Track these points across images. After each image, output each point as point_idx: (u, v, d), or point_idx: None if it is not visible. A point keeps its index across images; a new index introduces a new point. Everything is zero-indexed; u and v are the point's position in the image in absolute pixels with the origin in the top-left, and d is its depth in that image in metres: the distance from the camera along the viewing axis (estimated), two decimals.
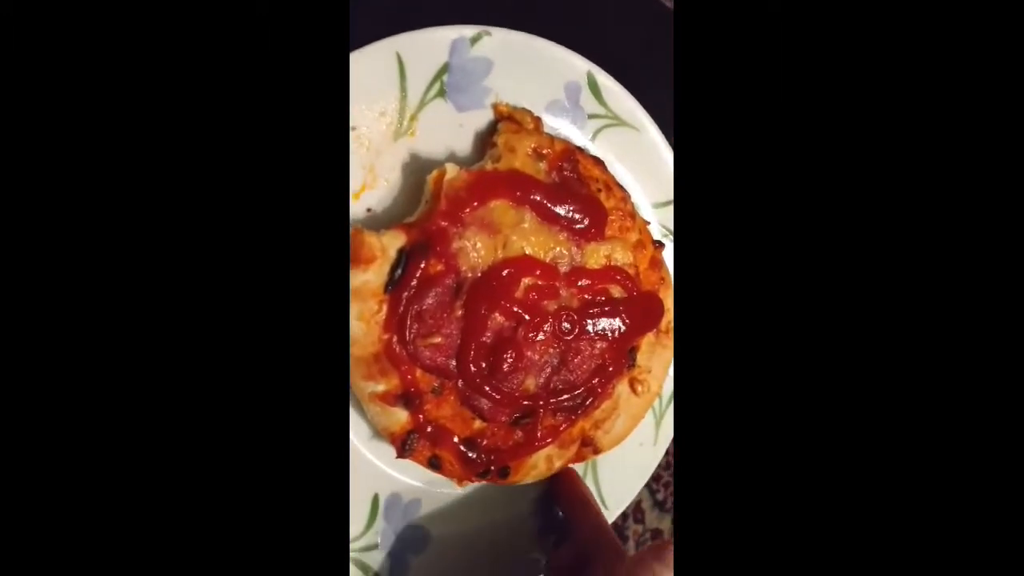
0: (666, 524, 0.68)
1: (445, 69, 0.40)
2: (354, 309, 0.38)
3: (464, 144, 0.42)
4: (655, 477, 0.64)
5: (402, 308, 0.38)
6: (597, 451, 0.45)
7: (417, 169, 0.41)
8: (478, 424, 0.41)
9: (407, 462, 0.41)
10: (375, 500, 0.42)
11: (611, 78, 0.43)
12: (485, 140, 0.42)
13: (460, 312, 0.39)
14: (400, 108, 0.40)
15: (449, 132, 0.41)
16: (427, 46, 0.40)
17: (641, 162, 0.45)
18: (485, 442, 0.41)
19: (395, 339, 0.38)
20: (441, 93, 0.41)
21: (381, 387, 0.38)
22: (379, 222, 0.41)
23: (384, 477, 0.42)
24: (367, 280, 0.37)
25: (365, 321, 0.38)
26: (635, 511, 0.67)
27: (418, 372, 0.39)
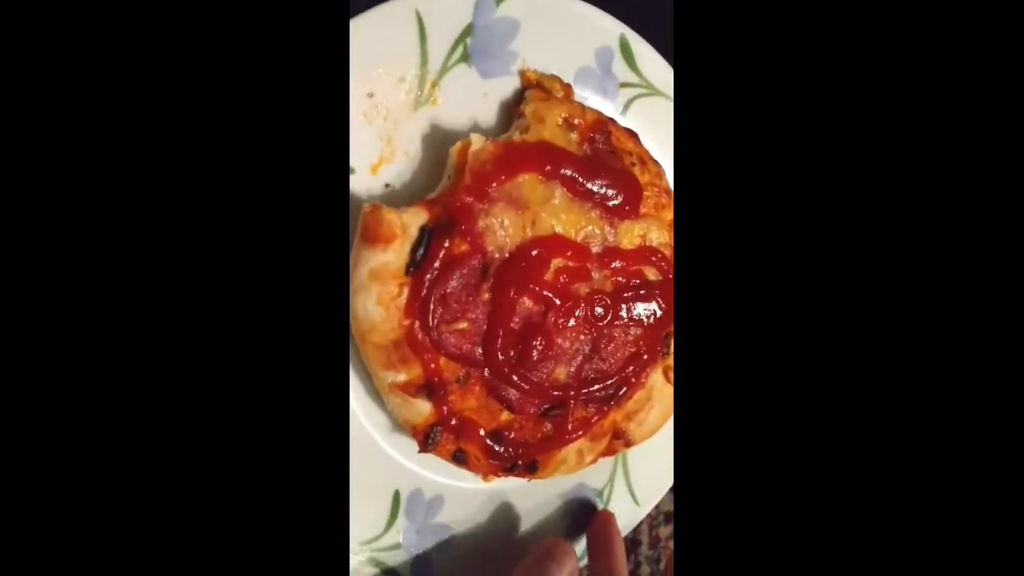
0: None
1: (469, 31, 0.37)
2: (373, 293, 0.35)
3: (489, 114, 0.39)
4: None
5: (425, 291, 0.35)
6: (629, 444, 0.42)
7: (439, 141, 0.38)
8: (505, 416, 0.38)
9: (430, 457, 0.39)
10: (396, 497, 0.40)
11: (645, 43, 0.40)
12: (512, 109, 0.39)
13: (487, 296, 0.36)
14: (420, 74, 0.37)
15: (473, 101, 0.38)
16: (449, 5, 0.37)
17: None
18: (512, 435, 0.38)
19: (417, 325, 0.35)
20: (465, 58, 0.38)
21: (402, 377, 0.36)
22: (398, 198, 0.38)
23: (405, 473, 0.40)
24: (387, 261, 0.35)
25: (384, 306, 0.35)
26: None
27: (442, 360, 0.36)
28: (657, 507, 0.67)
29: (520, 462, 0.39)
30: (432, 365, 0.36)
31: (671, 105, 0.41)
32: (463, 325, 0.36)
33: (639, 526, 0.60)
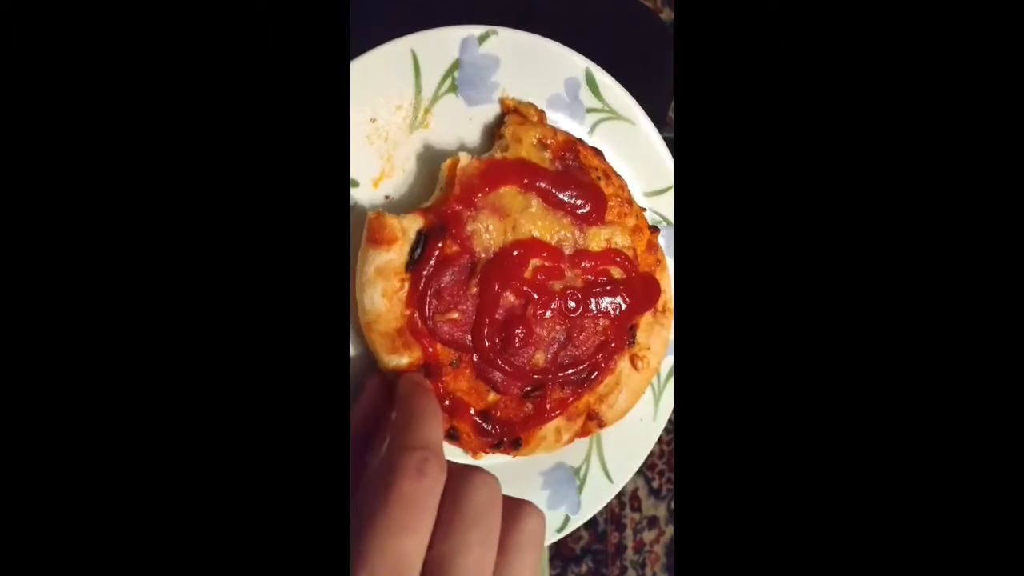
0: (661, 511, 0.71)
1: (456, 65, 0.43)
2: (378, 287, 0.40)
3: (474, 136, 0.45)
4: (650, 466, 0.67)
5: (422, 285, 0.41)
6: (602, 424, 0.47)
7: (431, 159, 0.44)
8: (492, 397, 0.43)
9: None
10: None
11: (607, 75, 0.46)
12: (493, 132, 0.45)
13: (475, 290, 0.41)
14: (415, 103, 0.43)
15: (460, 124, 0.44)
16: (439, 44, 0.43)
17: (635, 153, 0.48)
18: (499, 414, 0.43)
19: (416, 315, 0.41)
20: (453, 88, 0.44)
21: (404, 360, 0.41)
22: (397, 208, 0.43)
23: None
24: (390, 259, 0.40)
25: (388, 298, 0.40)
26: (631, 499, 0.70)
27: (438, 346, 0.41)
28: (641, 512, 0.71)
29: (505, 439, 0.44)
30: (430, 350, 0.41)
31: (630, 127, 0.47)
32: (455, 315, 0.41)
33: (624, 532, 0.64)
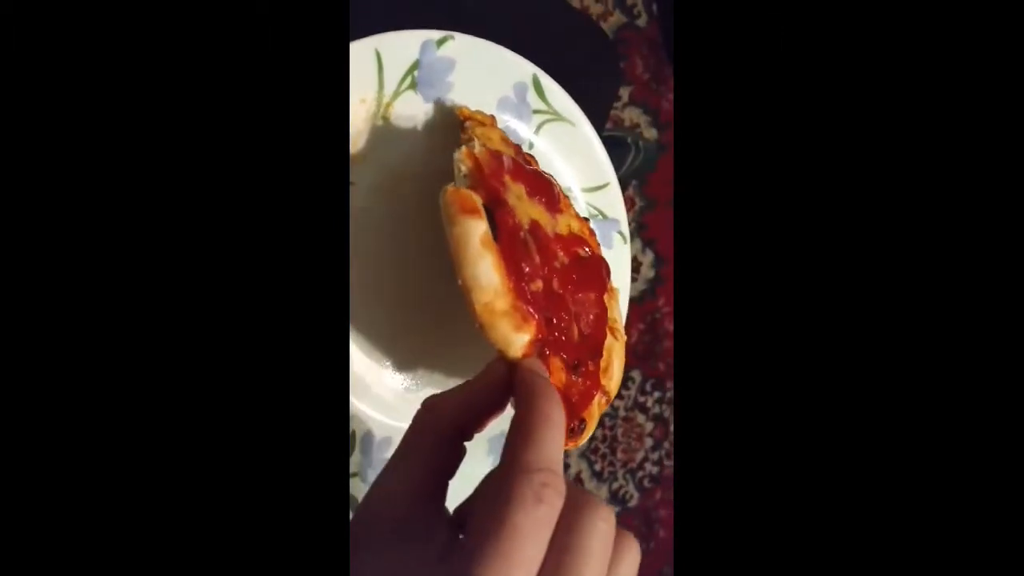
0: (603, 493, 0.76)
1: (416, 65, 0.46)
2: (488, 258, 0.38)
3: (430, 130, 0.47)
4: (593, 449, 0.72)
5: (512, 255, 0.39)
6: (609, 398, 0.48)
7: (390, 149, 0.46)
8: (564, 377, 0.42)
9: (377, 401, 0.47)
10: (352, 435, 0.47)
11: (552, 80, 0.51)
12: (446, 128, 0.48)
13: (538, 259, 0.41)
14: (378, 97, 0.45)
15: (417, 119, 0.47)
16: (401, 45, 0.45)
17: (576, 152, 0.54)
18: (570, 396, 0.42)
19: (520, 285, 0.39)
20: (413, 86, 0.46)
21: (526, 337, 0.38)
22: (359, 194, 0.46)
23: (358, 416, 0.47)
24: (486, 229, 0.38)
25: (497, 270, 0.38)
26: (575, 481, 0.75)
27: (541, 320, 0.39)
28: None
29: (575, 425, 0.42)
30: (540, 322, 0.39)
31: (572, 127, 0.53)
32: (539, 284, 0.40)
33: None
